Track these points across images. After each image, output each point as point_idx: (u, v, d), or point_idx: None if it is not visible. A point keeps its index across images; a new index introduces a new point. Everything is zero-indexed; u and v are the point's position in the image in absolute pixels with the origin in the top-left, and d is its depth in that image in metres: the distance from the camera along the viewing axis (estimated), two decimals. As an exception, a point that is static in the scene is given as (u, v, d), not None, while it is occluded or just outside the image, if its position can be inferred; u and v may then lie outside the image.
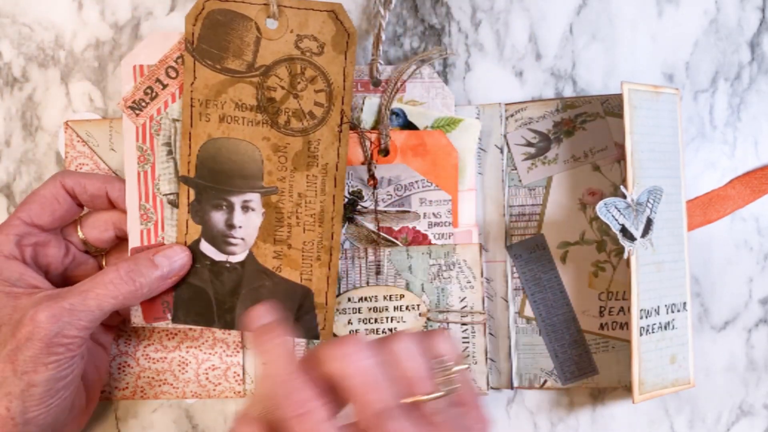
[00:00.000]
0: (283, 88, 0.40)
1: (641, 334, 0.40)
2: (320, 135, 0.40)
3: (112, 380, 0.44)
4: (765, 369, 0.45)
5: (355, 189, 0.43)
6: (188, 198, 0.40)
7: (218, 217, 0.41)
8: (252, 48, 0.40)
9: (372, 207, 0.43)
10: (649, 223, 0.40)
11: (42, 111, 0.45)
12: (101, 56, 0.45)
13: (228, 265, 0.41)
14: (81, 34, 0.45)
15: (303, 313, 0.41)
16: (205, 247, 0.41)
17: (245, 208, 0.41)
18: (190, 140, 0.40)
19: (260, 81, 0.40)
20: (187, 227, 0.41)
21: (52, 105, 0.45)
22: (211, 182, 0.40)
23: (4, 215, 0.46)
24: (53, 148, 0.45)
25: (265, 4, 0.39)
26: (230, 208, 0.40)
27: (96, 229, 0.42)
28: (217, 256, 0.41)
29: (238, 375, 0.44)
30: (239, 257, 0.41)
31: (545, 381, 0.44)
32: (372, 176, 0.43)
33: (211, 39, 0.40)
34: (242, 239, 0.41)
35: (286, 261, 0.41)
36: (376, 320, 0.43)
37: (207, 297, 0.41)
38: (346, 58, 0.40)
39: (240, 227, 0.41)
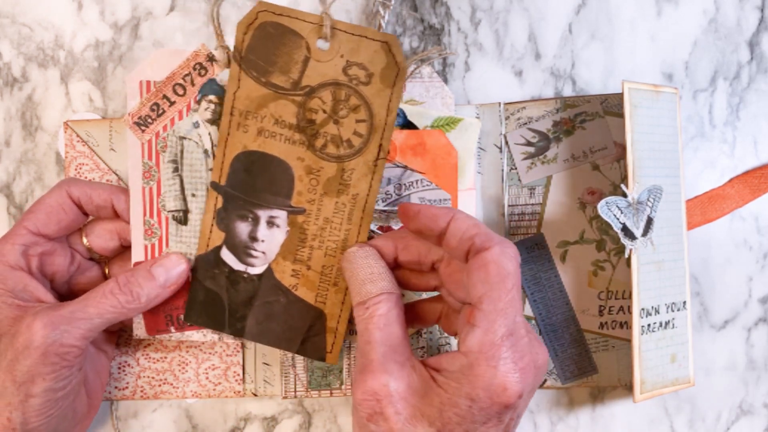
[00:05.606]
0: (324, 111, 0.39)
1: (642, 333, 0.40)
2: (355, 165, 0.40)
3: (112, 380, 0.44)
4: (765, 368, 0.45)
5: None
6: (215, 204, 0.40)
7: (243, 228, 0.41)
8: (299, 66, 0.39)
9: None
10: (649, 222, 0.40)
11: (42, 111, 0.45)
12: (101, 56, 0.45)
13: (246, 275, 0.41)
14: (81, 34, 0.45)
15: (312, 334, 0.41)
16: (226, 255, 0.41)
17: (270, 223, 0.40)
18: (225, 148, 0.40)
19: (303, 101, 0.39)
20: (210, 232, 0.41)
21: (52, 105, 0.45)
22: (240, 193, 0.40)
23: (4, 215, 0.46)
24: (53, 148, 0.45)
25: (319, 25, 0.38)
26: (256, 221, 0.40)
27: (101, 237, 0.42)
28: (237, 265, 0.41)
29: (238, 375, 0.44)
30: (258, 270, 0.41)
31: (545, 380, 0.44)
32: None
33: (260, 51, 0.39)
34: (263, 253, 0.41)
35: (303, 281, 0.41)
36: (376, 320, 0.43)
37: (221, 302, 0.41)
38: (392, 93, 0.39)
39: (263, 241, 0.41)
